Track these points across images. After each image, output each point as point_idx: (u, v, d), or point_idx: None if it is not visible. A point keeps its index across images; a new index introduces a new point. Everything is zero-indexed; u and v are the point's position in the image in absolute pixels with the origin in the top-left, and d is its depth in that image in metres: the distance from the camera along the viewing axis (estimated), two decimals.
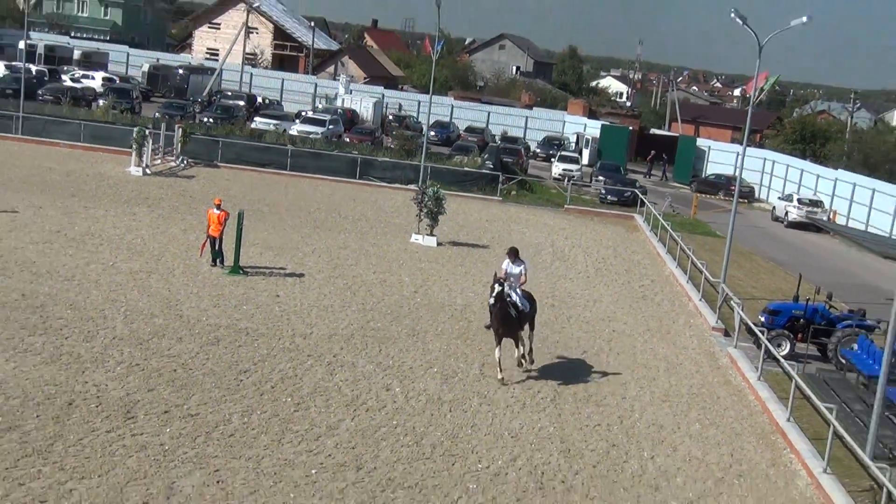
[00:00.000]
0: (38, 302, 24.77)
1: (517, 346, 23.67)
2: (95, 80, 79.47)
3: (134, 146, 48.16)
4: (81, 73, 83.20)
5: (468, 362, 24.22)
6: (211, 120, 66.81)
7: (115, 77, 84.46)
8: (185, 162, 52.54)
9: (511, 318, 22.96)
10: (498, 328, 23.01)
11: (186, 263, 30.68)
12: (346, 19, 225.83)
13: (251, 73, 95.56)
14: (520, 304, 23.31)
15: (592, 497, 17.53)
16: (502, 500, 16.88)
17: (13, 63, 78.96)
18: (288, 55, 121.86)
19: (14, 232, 31.98)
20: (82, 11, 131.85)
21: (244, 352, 22.96)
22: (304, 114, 75.01)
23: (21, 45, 72.30)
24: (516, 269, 23.74)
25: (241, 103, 77.20)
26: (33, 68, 74.83)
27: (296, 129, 66.33)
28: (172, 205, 40.67)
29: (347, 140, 66.51)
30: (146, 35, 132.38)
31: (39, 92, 68.45)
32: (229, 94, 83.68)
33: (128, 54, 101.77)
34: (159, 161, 50.79)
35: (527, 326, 24.08)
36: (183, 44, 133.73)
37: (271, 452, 17.51)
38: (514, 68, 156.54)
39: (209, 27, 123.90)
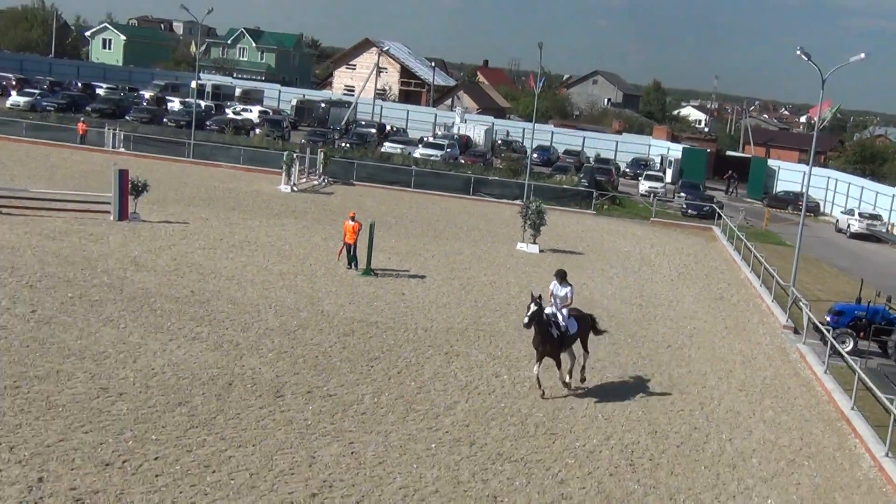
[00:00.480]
0: (205, 298, 25.20)
1: (557, 367, 20.65)
2: (253, 113, 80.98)
3: (284, 167, 48.88)
4: (241, 107, 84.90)
5: None
6: (348, 145, 67.49)
7: (269, 110, 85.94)
8: (326, 181, 53.09)
9: (552, 337, 20.17)
10: (538, 346, 20.36)
11: (327, 266, 30.92)
12: (462, 60, 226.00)
13: (381, 106, 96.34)
14: (562, 325, 20.53)
15: (677, 474, 17.02)
16: (597, 475, 16.50)
17: (186, 99, 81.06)
18: (412, 90, 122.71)
19: (185, 239, 32.66)
20: (243, 56, 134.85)
21: (374, 342, 22.98)
22: (425, 139, 75.28)
23: (193, 84, 74.20)
24: (562, 292, 20.74)
25: (373, 131, 77.80)
26: (203, 104, 76.63)
27: (419, 152, 66.60)
28: (315, 217, 41.10)
29: (462, 161, 66.50)
30: (295, 75, 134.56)
31: (207, 123, 70.04)
32: (363, 123, 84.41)
33: (279, 91, 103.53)
34: (304, 180, 51.42)
35: (579, 347, 21.54)
36: (325, 82, 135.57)
37: (397, 428, 17.44)
38: (606, 100, 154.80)
39: (346, 67, 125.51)
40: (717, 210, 55.29)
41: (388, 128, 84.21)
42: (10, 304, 22.40)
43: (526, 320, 19.98)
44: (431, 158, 63.66)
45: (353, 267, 30.68)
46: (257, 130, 70.56)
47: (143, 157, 53.62)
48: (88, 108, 72.59)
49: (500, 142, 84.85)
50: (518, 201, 48.08)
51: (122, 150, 55.77)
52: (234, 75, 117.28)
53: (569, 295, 20.78)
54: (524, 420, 18.69)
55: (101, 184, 38.77)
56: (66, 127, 59.31)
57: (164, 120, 71.94)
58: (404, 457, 16.19)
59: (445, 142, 71.51)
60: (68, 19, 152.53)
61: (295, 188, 48.63)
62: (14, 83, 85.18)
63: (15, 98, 74.38)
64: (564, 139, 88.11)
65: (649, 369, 23.45)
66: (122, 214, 34.51)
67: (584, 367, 21.56)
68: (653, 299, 32.03)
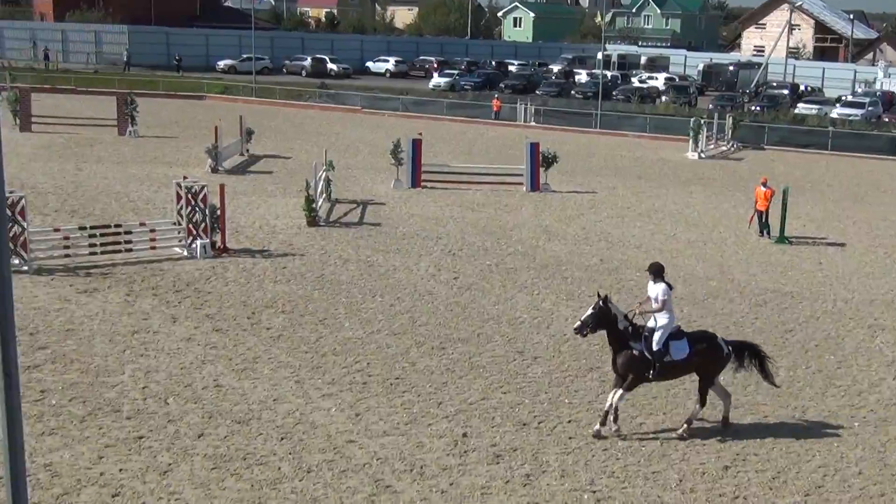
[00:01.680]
0: (613, 266, 25.50)
1: (612, 396, 14.79)
2: (658, 81, 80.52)
3: (691, 134, 48.12)
4: (647, 75, 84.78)
5: None
6: (758, 108, 65.02)
7: (674, 77, 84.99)
8: (735, 146, 51.50)
9: (629, 355, 14.54)
10: (613, 366, 14.96)
11: (737, 234, 29.99)
12: (884, 9, 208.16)
13: (794, 65, 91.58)
14: (655, 344, 14.48)
15: None
16: None
17: (593, 71, 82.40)
18: (828, 46, 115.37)
19: (593, 209, 33.26)
20: (648, 24, 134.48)
21: (789, 313, 21.90)
22: (843, 98, 70.49)
23: (599, 55, 75.31)
24: (652, 292, 14.79)
25: (785, 92, 74.29)
26: (609, 74, 77.45)
27: (836, 112, 62.68)
28: (723, 184, 40.00)
29: (886, 120, 61.49)
30: (701, 39, 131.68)
31: (613, 93, 70.80)
32: (774, 84, 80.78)
33: (685, 57, 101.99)
34: (712, 146, 50.18)
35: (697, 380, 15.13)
36: (732, 44, 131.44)
37: (816, 404, 16.49)
38: None
39: (755, 27, 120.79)
40: None
41: (802, 88, 79.94)
42: (436, 271, 24.19)
43: (577, 323, 14.67)
44: (850, 118, 59.58)
45: (765, 235, 29.48)
46: (663, 98, 70.06)
47: (552, 130, 55.27)
48: (502, 85, 76.30)
49: None
50: None
51: (532, 123, 57.95)
52: (640, 43, 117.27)
53: (659, 297, 14.63)
54: None
55: (514, 157, 40.57)
56: (481, 104, 62.82)
57: (572, 92, 73.77)
58: (823, 434, 15.29)
59: (867, 100, 66.55)
60: (482, 2, 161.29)
61: (702, 155, 47.66)
62: (436, 66, 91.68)
63: (436, 79, 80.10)
64: None
65: None
66: (534, 185, 35.89)
67: (689, 420, 14.99)
68: None
